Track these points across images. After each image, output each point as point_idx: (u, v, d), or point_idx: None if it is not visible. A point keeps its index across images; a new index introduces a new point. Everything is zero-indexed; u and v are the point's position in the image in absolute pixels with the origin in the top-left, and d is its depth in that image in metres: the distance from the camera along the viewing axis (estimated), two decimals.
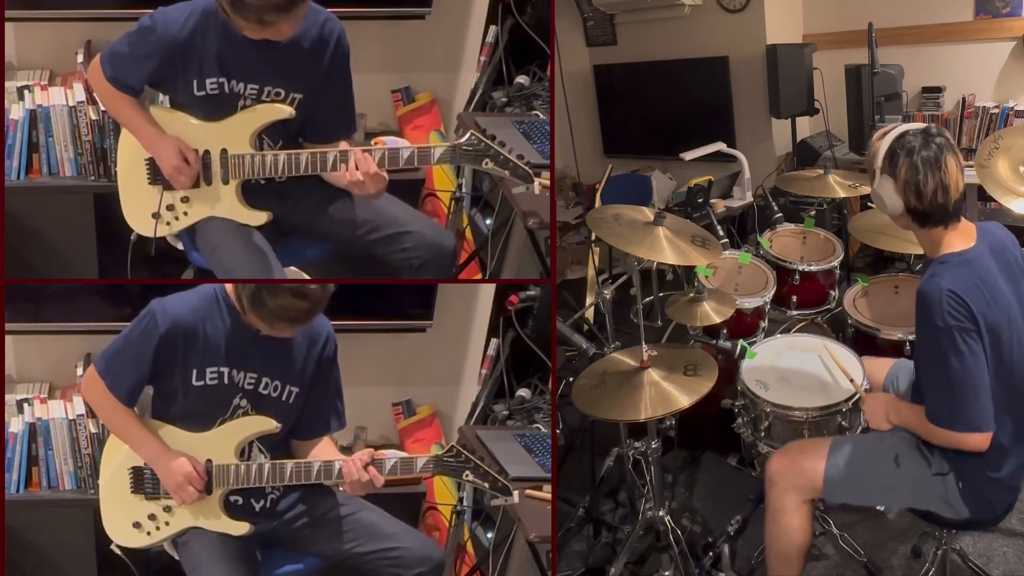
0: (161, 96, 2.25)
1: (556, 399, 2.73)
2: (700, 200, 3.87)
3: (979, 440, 1.84)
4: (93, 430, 2.64)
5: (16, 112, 2.66)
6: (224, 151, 2.12)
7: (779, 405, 2.37)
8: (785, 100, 4.59)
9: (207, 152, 2.12)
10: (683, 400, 2.05)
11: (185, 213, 2.18)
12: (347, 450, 2.61)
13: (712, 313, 2.63)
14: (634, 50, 5.58)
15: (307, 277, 2.32)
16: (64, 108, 2.68)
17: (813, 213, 3.45)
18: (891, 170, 1.89)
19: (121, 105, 2.14)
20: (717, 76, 5.16)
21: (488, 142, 2.03)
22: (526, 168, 2.03)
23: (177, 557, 2.11)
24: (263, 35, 1.98)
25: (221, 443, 2.05)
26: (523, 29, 2.81)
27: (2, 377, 2.56)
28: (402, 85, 2.98)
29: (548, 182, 2.22)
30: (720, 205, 4.28)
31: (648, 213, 2.31)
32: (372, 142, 2.18)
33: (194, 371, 2.01)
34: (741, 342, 2.59)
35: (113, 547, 2.14)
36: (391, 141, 2.17)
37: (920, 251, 2.09)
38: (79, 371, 2.65)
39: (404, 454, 2.06)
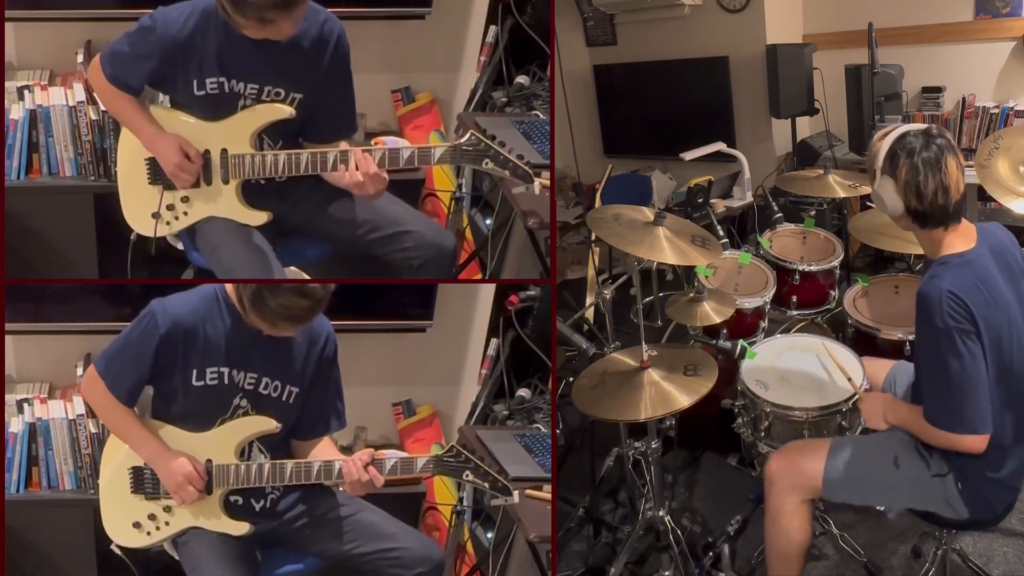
0: (161, 96, 2.25)
1: (556, 399, 2.73)
2: (700, 200, 3.87)
3: (976, 442, 1.84)
4: (93, 430, 2.64)
5: (16, 112, 2.66)
6: (224, 151, 2.11)
7: (779, 405, 2.37)
8: (785, 100, 4.58)
9: (207, 152, 2.12)
10: (683, 400, 2.06)
11: (185, 213, 2.18)
12: (347, 450, 2.61)
13: (712, 313, 2.63)
14: (634, 50, 5.58)
15: (307, 277, 2.31)
16: (64, 108, 2.68)
17: (813, 213, 3.44)
18: (892, 171, 1.89)
19: (121, 105, 2.14)
20: (717, 76, 5.15)
21: (488, 142, 2.02)
22: (526, 168, 2.03)
23: (177, 557, 2.11)
24: (263, 34, 1.98)
25: (221, 443, 2.05)
26: (523, 29, 2.81)
27: (2, 377, 2.56)
28: (402, 85, 2.98)
29: (548, 182, 2.21)
30: (720, 205, 4.27)
31: (648, 213, 2.31)
32: (372, 142, 2.18)
33: (194, 371, 2.01)
34: (741, 342, 2.59)
35: (113, 547, 2.14)
36: (391, 141, 2.17)
37: (920, 251, 2.09)
38: (79, 371, 2.65)
39: (404, 454, 2.06)
